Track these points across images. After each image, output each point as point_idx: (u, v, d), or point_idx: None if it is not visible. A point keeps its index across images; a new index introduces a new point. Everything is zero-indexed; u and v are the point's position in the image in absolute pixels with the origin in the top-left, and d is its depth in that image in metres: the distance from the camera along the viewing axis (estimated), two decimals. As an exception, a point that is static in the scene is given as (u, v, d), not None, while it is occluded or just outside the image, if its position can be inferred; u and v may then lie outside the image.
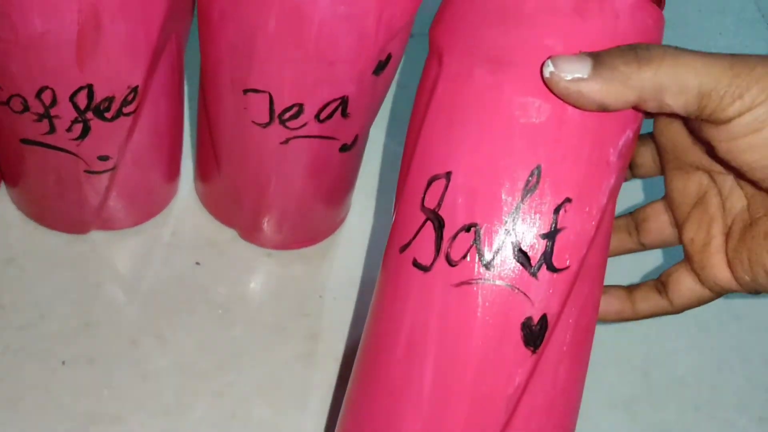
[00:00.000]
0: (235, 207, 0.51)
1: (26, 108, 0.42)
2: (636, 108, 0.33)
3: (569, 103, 0.33)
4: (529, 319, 0.34)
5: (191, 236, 0.53)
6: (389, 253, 0.37)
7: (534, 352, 0.35)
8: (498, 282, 0.34)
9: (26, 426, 0.45)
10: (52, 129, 0.43)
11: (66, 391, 0.46)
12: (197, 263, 0.52)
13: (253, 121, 0.43)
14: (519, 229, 0.34)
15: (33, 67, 0.40)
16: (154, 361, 0.48)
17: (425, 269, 0.35)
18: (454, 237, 0.34)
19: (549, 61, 0.32)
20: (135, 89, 0.43)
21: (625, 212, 0.43)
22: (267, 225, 0.51)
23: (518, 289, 0.34)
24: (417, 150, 0.36)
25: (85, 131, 0.44)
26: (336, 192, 0.51)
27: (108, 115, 0.43)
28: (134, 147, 0.47)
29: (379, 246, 0.54)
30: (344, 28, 0.39)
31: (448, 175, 0.35)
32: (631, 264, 0.49)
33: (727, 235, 0.38)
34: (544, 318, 0.34)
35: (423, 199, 0.35)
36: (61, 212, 0.50)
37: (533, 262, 0.34)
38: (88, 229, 0.51)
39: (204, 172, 0.52)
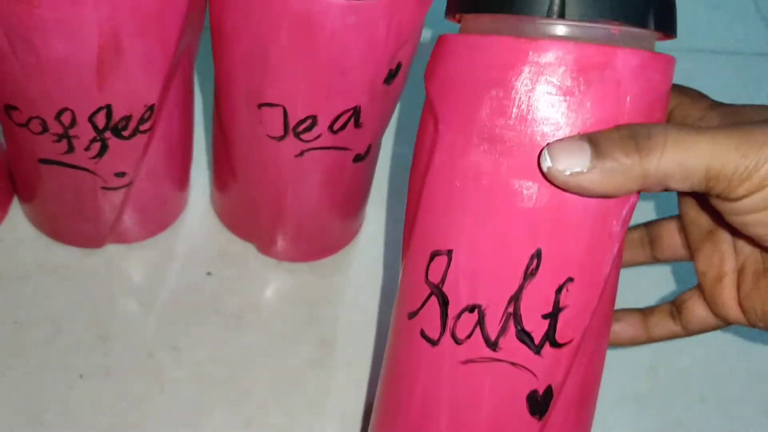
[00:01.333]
0: (252, 221, 0.51)
1: (45, 129, 0.42)
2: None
3: (570, 193, 0.32)
4: (534, 391, 0.35)
5: (203, 246, 0.53)
6: (398, 316, 0.38)
7: (540, 419, 0.35)
8: (503, 361, 0.34)
9: (48, 441, 0.45)
10: (71, 148, 0.43)
11: (85, 404, 0.46)
12: (209, 273, 0.52)
13: (267, 135, 0.44)
14: (521, 312, 0.34)
15: (53, 90, 0.40)
16: (170, 371, 0.48)
17: (433, 343, 0.35)
18: (459, 316, 0.35)
19: (546, 154, 0.31)
20: (151, 107, 0.43)
21: (639, 221, 0.42)
22: (284, 238, 0.51)
23: (523, 366, 0.34)
24: (417, 220, 0.36)
25: (103, 150, 0.44)
26: (351, 202, 0.51)
27: (125, 133, 0.43)
28: (149, 162, 0.47)
29: (391, 253, 0.55)
30: (355, 36, 0.39)
31: (449, 252, 0.34)
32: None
33: (739, 276, 0.37)
34: (549, 389, 0.35)
35: (427, 271, 0.35)
36: (77, 227, 0.50)
37: (536, 341, 0.34)
38: (102, 243, 0.51)
39: (221, 186, 0.52)
